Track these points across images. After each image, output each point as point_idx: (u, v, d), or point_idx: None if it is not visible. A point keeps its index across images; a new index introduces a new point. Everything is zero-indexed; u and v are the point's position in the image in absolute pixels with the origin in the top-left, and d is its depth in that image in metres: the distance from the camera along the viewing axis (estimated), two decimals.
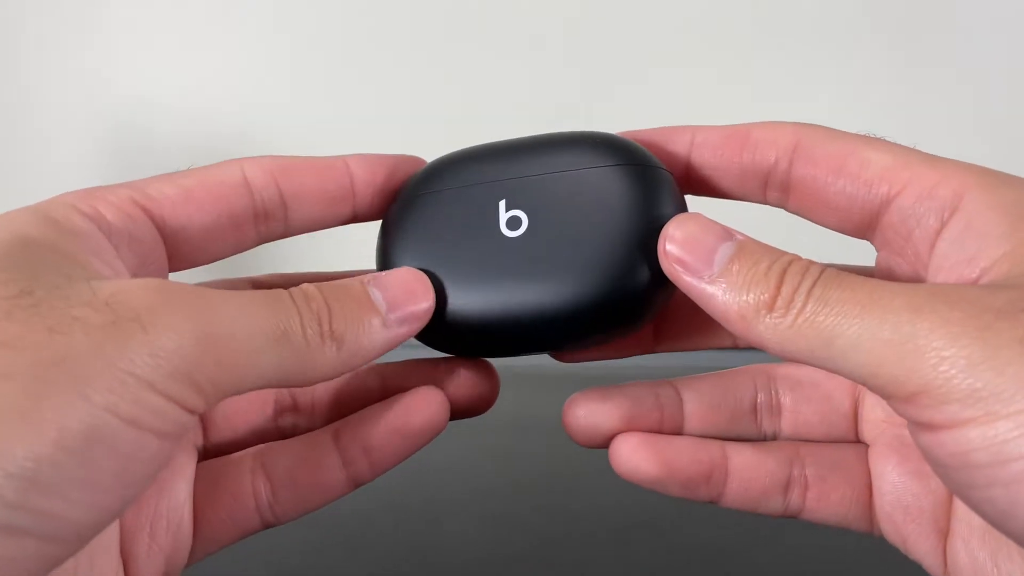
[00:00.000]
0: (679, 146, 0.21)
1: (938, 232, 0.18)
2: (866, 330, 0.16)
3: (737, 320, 0.18)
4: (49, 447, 0.14)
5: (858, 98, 0.50)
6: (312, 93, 0.52)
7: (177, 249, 0.21)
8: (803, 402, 0.23)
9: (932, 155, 0.19)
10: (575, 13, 0.50)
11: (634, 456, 0.21)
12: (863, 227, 0.20)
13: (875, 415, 0.22)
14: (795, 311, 0.17)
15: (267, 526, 0.22)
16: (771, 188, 0.21)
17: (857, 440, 0.23)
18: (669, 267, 0.19)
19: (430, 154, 0.23)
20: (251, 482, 0.22)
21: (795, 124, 0.20)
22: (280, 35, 0.51)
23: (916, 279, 0.19)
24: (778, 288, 0.17)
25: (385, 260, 0.22)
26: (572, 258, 0.20)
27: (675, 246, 0.19)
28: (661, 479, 0.21)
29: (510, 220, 0.21)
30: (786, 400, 0.23)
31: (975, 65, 0.49)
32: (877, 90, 0.50)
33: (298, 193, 0.22)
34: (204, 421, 0.23)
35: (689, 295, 0.19)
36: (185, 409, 0.16)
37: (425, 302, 0.20)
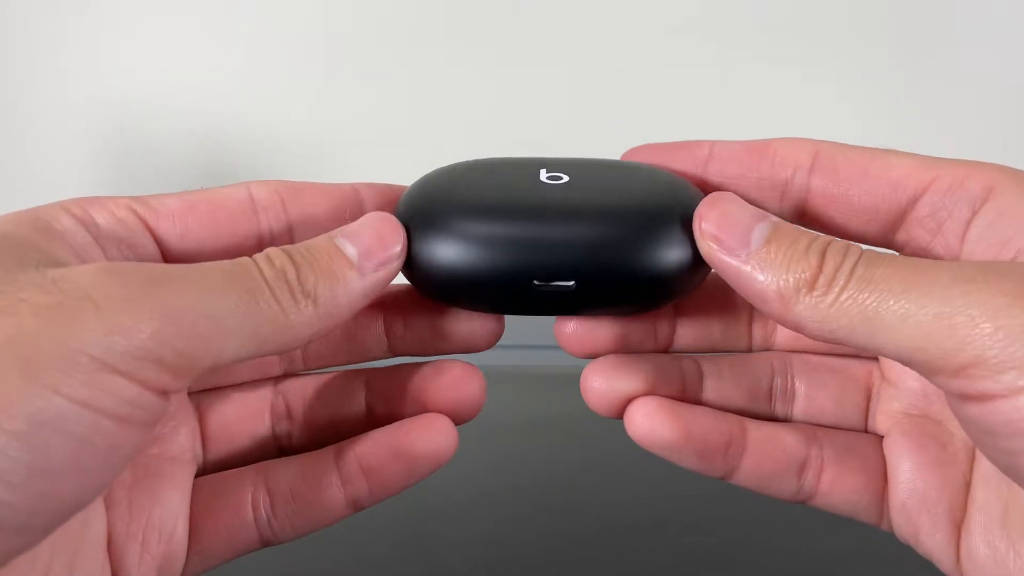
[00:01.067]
0: (697, 156, 0.22)
1: (969, 222, 0.19)
2: (912, 304, 0.16)
3: (775, 299, 0.18)
4: None
5: (858, 100, 0.50)
6: (316, 93, 0.52)
7: (176, 260, 0.20)
8: (818, 388, 0.23)
9: (952, 158, 0.20)
10: (575, 14, 0.50)
11: (651, 419, 0.21)
12: (887, 228, 0.20)
13: (892, 407, 0.22)
14: (837, 289, 0.17)
15: (265, 543, 0.22)
16: (788, 197, 0.21)
17: (866, 430, 0.23)
18: (705, 245, 0.19)
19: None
20: (252, 495, 0.22)
21: (813, 140, 0.21)
22: (284, 34, 0.51)
23: None
24: (820, 267, 0.17)
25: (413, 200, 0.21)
26: (613, 210, 0.20)
27: (711, 224, 0.19)
28: (678, 445, 0.21)
29: (551, 177, 0.21)
30: (800, 385, 0.23)
31: (977, 68, 0.49)
32: (877, 93, 0.50)
33: (304, 214, 0.21)
34: (203, 432, 0.23)
35: (723, 274, 0.19)
36: (150, 389, 0.15)
37: (397, 244, 0.20)
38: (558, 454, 0.38)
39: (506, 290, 0.20)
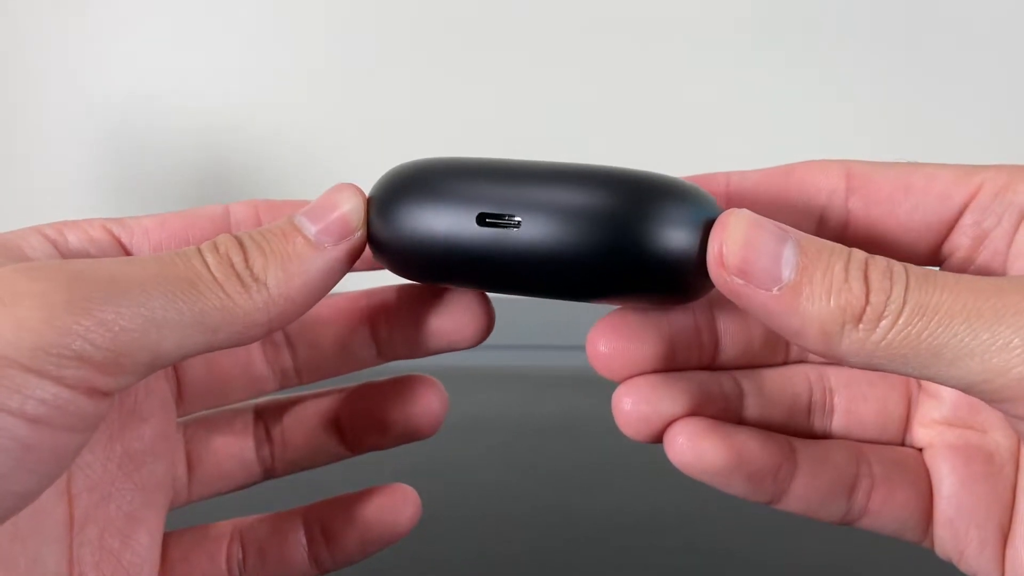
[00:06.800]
0: (714, 191, 0.20)
1: (1017, 226, 0.18)
2: (978, 336, 0.15)
3: (816, 336, 0.16)
4: None
5: (854, 100, 0.50)
6: (313, 90, 0.52)
7: None
8: (857, 402, 0.21)
9: (991, 164, 0.19)
10: (575, 16, 0.50)
11: (697, 442, 0.19)
12: (936, 243, 0.19)
13: (932, 418, 0.21)
14: (888, 322, 0.15)
15: None
16: (826, 227, 0.20)
17: (903, 443, 0.22)
18: (728, 280, 0.16)
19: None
20: (227, 547, 0.22)
21: (840, 160, 0.20)
22: (280, 31, 0.51)
23: None
24: (866, 296, 0.15)
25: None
26: (578, 169, 0.18)
27: (735, 255, 0.16)
28: (729, 470, 0.19)
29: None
30: (840, 400, 0.21)
31: (976, 68, 0.49)
32: (874, 92, 0.50)
33: None
34: (190, 462, 0.23)
35: (750, 309, 0.17)
36: (73, 388, 0.15)
37: (347, 204, 0.18)
38: (558, 454, 0.38)
39: (456, 228, 0.18)
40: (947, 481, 0.20)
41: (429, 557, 0.31)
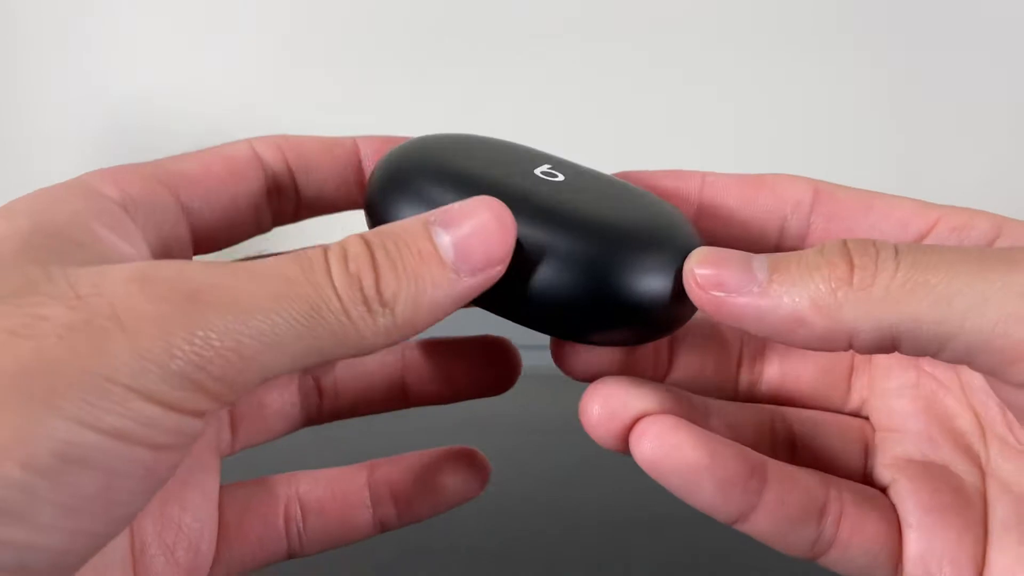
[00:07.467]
0: (689, 185, 0.21)
1: None
2: (988, 278, 0.14)
3: (815, 312, 0.15)
4: (16, 470, 0.12)
5: (846, 103, 0.50)
6: (312, 92, 0.52)
7: (198, 226, 0.20)
8: (816, 437, 0.21)
9: (948, 205, 0.19)
10: (566, 15, 0.50)
11: (669, 437, 0.17)
12: None
13: (894, 453, 0.20)
14: (886, 275, 0.15)
15: (292, 555, 0.22)
16: (787, 234, 0.20)
17: (864, 482, 0.21)
18: (708, 297, 0.16)
19: None
20: (285, 507, 0.22)
21: (809, 178, 0.20)
22: (282, 32, 0.51)
23: None
24: (849, 261, 0.15)
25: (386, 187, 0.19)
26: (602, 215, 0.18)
27: (708, 271, 0.16)
28: (700, 469, 0.17)
29: (545, 172, 0.19)
30: (801, 436, 0.21)
31: (976, 70, 0.49)
32: (865, 97, 0.50)
33: (307, 167, 0.21)
34: (232, 414, 0.22)
35: (739, 320, 0.16)
36: (187, 413, 0.14)
37: (504, 244, 0.16)
38: (558, 454, 0.38)
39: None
40: (914, 514, 0.19)
41: (428, 554, 0.31)
